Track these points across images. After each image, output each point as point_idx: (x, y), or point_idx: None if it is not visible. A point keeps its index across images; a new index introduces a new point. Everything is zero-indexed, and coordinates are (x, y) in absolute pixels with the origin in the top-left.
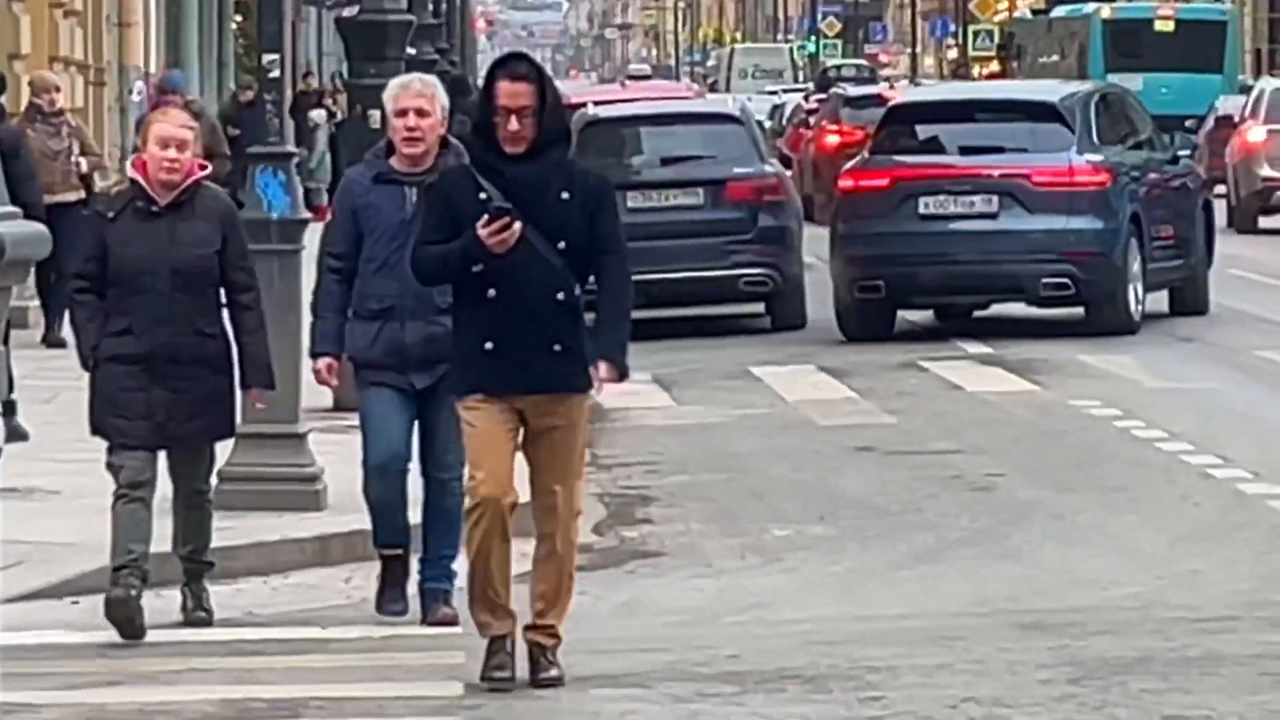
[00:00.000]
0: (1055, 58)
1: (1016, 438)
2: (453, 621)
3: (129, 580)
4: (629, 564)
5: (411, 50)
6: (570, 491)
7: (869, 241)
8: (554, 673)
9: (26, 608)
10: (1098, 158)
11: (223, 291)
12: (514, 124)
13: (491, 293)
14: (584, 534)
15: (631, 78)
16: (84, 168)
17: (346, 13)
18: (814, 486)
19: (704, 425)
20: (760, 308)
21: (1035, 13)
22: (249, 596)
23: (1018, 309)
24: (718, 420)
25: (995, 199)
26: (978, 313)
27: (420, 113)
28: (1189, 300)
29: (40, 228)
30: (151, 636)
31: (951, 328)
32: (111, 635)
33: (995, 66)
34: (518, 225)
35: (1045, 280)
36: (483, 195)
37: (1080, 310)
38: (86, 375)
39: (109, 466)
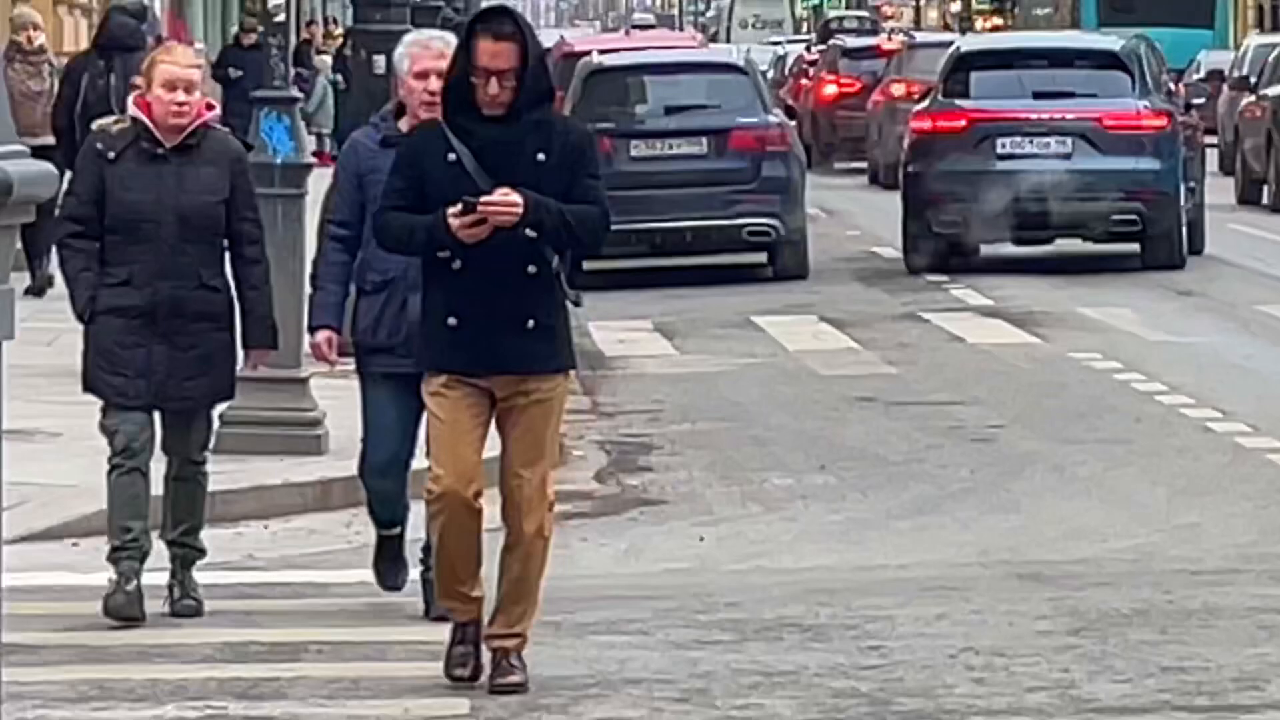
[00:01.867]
0: (1049, 10)
1: (1017, 389)
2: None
3: (127, 569)
4: (630, 511)
5: None
6: (539, 477)
7: (947, 179)
8: (515, 678)
9: (28, 549)
10: (1158, 102)
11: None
12: (494, 87)
13: (457, 265)
14: (586, 482)
15: (636, 27)
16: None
17: None
18: (815, 436)
19: (706, 374)
20: (763, 257)
21: None
22: (249, 540)
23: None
24: (719, 369)
25: (1069, 141)
26: (986, 252)
27: (442, 75)
28: (1190, 242)
29: (47, 166)
30: (150, 579)
31: (955, 273)
32: (105, 576)
33: (997, 20)
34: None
35: (1114, 217)
36: (452, 157)
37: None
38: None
39: (103, 429)
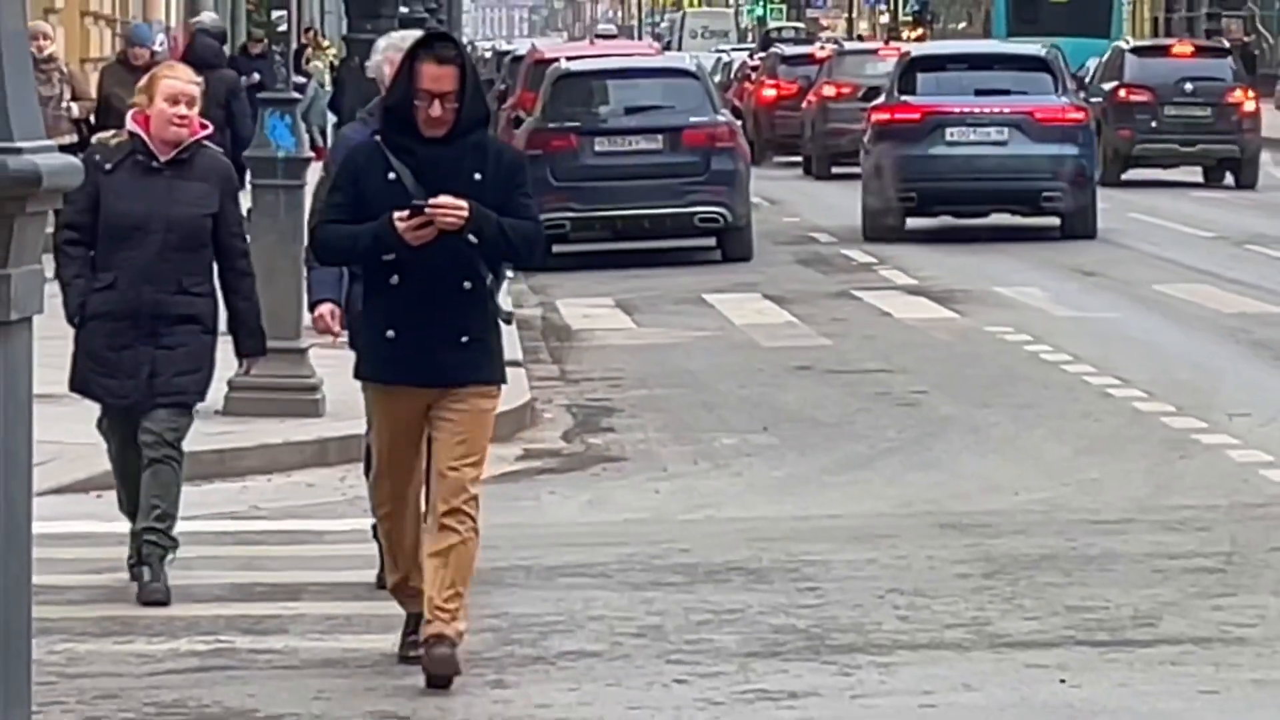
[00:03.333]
0: (964, 24)
1: (938, 359)
2: None
3: (156, 548)
4: (593, 467)
5: (404, 9)
6: (469, 479)
7: (904, 162)
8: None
9: (56, 500)
10: (1076, 99)
11: (216, 256)
12: (436, 109)
13: (394, 279)
14: (554, 441)
15: (599, 36)
16: (75, 113)
17: None
18: (758, 400)
19: (661, 345)
20: (712, 241)
21: None
22: (254, 493)
23: (937, 242)
24: (673, 341)
25: (1006, 130)
26: (911, 225)
27: None
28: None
29: (73, 159)
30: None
31: (882, 261)
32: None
33: (919, 31)
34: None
35: (1044, 194)
36: (392, 175)
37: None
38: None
39: (101, 431)
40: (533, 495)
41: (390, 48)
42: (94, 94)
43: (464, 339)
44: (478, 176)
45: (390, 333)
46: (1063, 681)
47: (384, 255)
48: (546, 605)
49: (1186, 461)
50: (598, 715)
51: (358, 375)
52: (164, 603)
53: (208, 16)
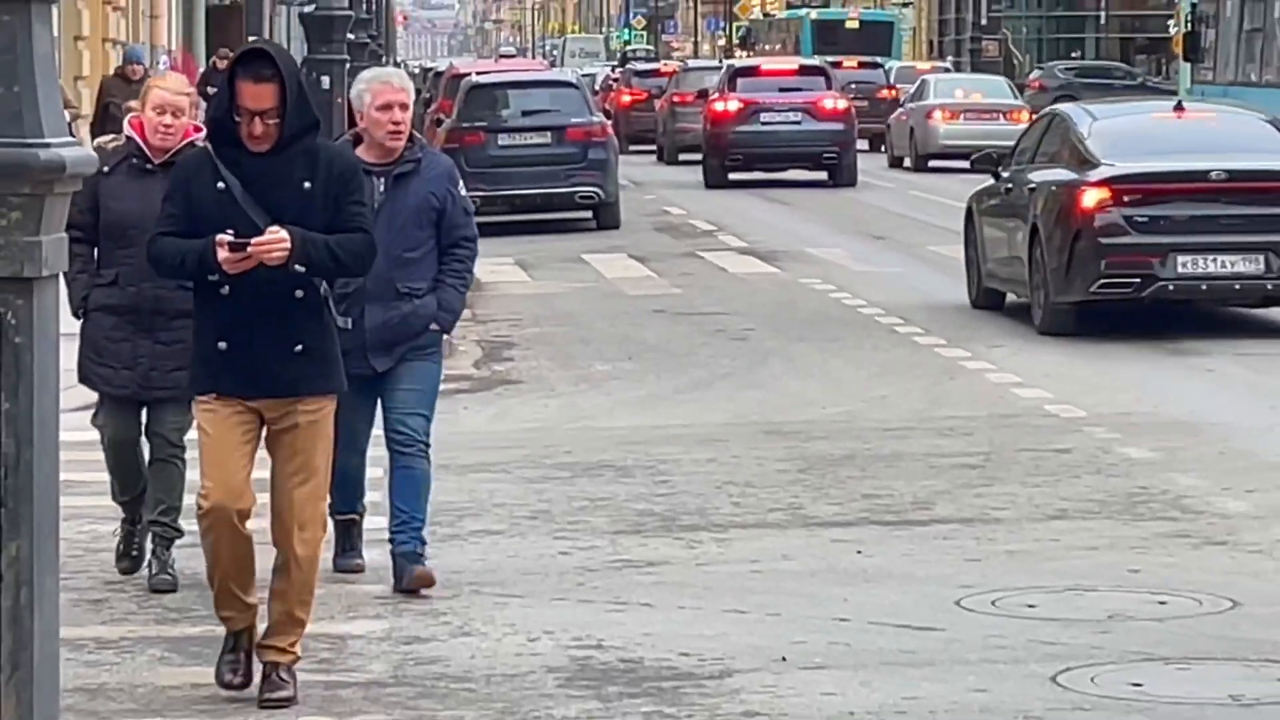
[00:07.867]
0: (779, 46)
1: (763, 304)
2: (428, 581)
3: (162, 539)
4: (497, 388)
5: (351, 36)
6: (310, 498)
7: (733, 137)
8: (284, 693)
9: (83, 415)
10: (842, 94)
11: None
12: (257, 126)
13: (225, 290)
14: (467, 368)
15: (502, 56)
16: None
17: (307, 9)
18: (624, 336)
19: (550, 293)
20: (589, 214)
21: (764, 15)
22: None
23: (776, 212)
24: (560, 290)
25: (800, 114)
26: (734, 178)
27: (403, 106)
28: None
29: (89, 151)
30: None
31: (724, 228)
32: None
33: (747, 51)
34: (260, 256)
35: (824, 155)
36: (221, 185)
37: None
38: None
39: (95, 425)
40: (451, 410)
41: (375, 79)
42: (76, 102)
43: (297, 348)
44: (307, 185)
45: (222, 344)
46: (859, 552)
47: (209, 276)
48: (460, 495)
49: (954, 382)
50: (499, 579)
51: (190, 389)
52: (173, 589)
53: None
